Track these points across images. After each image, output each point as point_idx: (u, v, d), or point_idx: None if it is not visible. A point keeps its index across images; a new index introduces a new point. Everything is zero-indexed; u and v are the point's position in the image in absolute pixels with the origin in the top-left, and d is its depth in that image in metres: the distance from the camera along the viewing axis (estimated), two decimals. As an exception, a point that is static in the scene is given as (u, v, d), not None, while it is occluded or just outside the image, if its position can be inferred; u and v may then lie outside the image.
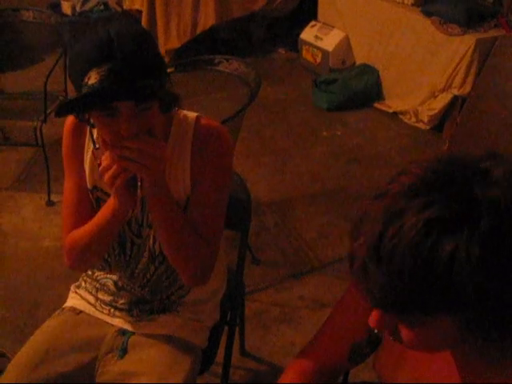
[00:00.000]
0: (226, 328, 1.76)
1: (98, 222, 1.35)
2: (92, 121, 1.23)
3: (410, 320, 0.79)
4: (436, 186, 0.73)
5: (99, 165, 1.22)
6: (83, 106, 1.16)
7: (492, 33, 3.69)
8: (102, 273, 1.56)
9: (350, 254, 0.79)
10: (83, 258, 1.45)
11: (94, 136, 1.33)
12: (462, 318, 0.74)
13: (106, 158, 1.19)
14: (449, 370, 0.93)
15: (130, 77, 1.09)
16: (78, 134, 1.41)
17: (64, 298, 1.66)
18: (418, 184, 0.74)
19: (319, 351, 1.22)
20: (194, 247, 1.36)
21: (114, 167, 1.17)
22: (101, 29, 1.11)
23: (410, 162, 0.80)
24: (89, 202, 1.44)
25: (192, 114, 1.41)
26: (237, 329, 1.87)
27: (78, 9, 4.98)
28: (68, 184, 1.45)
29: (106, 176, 1.18)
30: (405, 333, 0.81)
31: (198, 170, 1.36)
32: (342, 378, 1.44)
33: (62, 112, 1.13)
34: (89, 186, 1.43)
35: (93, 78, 1.09)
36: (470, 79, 3.69)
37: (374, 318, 0.84)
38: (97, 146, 1.32)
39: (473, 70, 3.67)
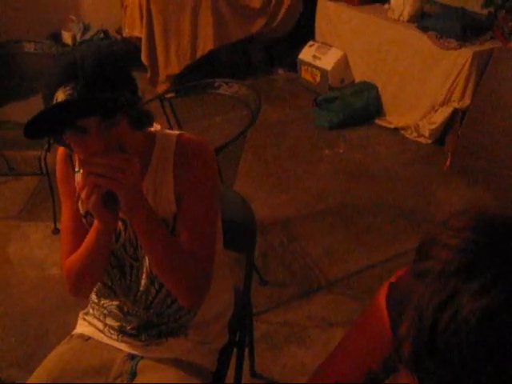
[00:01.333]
0: (236, 350, 1.76)
1: (87, 245, 1.37)
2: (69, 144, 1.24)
3: None
4: (487, 263, 0.66)
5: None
6: (51, 125, 1.17)
7: (488, 45, 3.72)
8: (107, 300, 1.56)
9: (397, 339, 0.72)
10: (80, 283, 1.46)
11: (74, 160, 1.35)
12: None
13: (81, 177, 1.21)
14: None
15: (92, 93, 1.13)
16: (68, 162, 1.44)
17: (72, 326, 1.66)
18: (465, 261, 0.67)
19: (334, 376, 1.17)
20: (184, 265, 1.35)
21: (87, 184, 1.18)
22: (68, 53, 1.18)
23: (439, 230, 0.72)
24: (83, 228, 1.44)
25: (174, 132, 1.42)
26: (246, 350, 1.87)
27: (78, 38, 5.04)
28: (64, 211, 1.48)
29: (82, 195, 1.20)
30: None
31: (181, 185, 1.37)
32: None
33: (29, 132, 1.14)
34: (82, 212, 1.45)
35: (59, 98, 1.14)
36: (469, 92, 3.71)
37: None
38: (76, 168, 1.33)
39: (471, 83, 3.69)
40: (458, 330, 0.64)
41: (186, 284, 1.37)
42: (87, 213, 1.43)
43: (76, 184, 1.43)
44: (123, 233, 1.42)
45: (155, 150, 1.39)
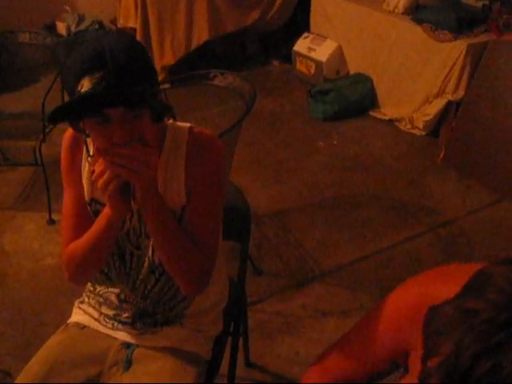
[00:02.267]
0: (230, 339, 1.78)
1: (95, 231, 1.37)
2: (86, 130, 1.25)
3: None
4: None
5: (93, 172, 1.24)
6: (76, 112, 1.18)
7: (483, 37, 3.74)
8: (103, 287, 1.57)
9: (426, 370, 0.68)
10: (82, 270, 1.47)
11: (89, 145, 1.36)
12: None
13: (99, 165, 1.21)
14: None
15: (121, 84, 1.13)
16: (75, 148, 1.44)
17: (68, 315, 1.67)
18: None
19: (338, 367, 1.15)
20: (190, 256, 1.38)
21: (107, 173, 1.19)
22: (94, 41, 1.16)
23: (497, 268, 0.68)
24: (87, 214, 1.45)
25: (185, 125, 1.43)
26: (241, 340, 1.89)
27: (72, 29, 5.02)
28: (66, 197, 1.48)
29: (99, 182, 1.20)
30: None
31: (193, 179, 1.39)
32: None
33: (55, 117, 1.15)
34: (87, 198, 1.45)
35: (85, 86, 1.13)
36: (463, 84, 3.73)
37: None
38: (91, 153, 1.34)
39: (465, 75, 3.71)
40: (495, 379, 0.61)
41: (191, 274, 1.40)
42: (92, 199, 1.44)
43: (85, 169, 1.43)
44: (128, 221, 1.43)
45: (166, 142, 1.40)
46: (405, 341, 0.97)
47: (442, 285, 0.86)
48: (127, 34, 1.27)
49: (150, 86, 1.19)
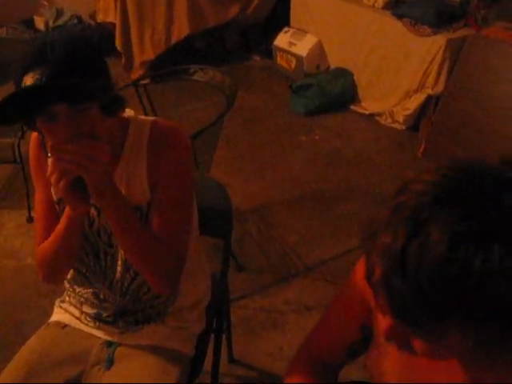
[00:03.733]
0: (213, 336, 1.77)
1: (59, 231, 1.37)
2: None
3: (428, 333, 0.76)
4: (460, 195, 0.70)
5: None
6: (20, 109, 1.16)
7: (462, 32, 3.76)
8: (82, 288, 1.55)
9: (368, 267, 0.76)
10: (53, 269, 1.46)
11: (47, 145, 1.34)
12: (488, 329, 0.71)
13: (51, 163, 1.20)
14: (449, 369, 0.92)
15: (61, 79, 1.12)
16: (41, 148, 1.42)
17: (49, 314, 1.66)
18: (440, 193, 0.71)
19: (317, 349, 1.23)
20: (156, 253, 1.35)
21: (57, 170, 1.18)
22: (40, 38, 1.17)
23: (420, 172, 0.76)
24: (57, 214, 1.43)
25: (148, 118, 1.42)
26: (224, 336, 1.88)
27: (51, 24, 4.96)
28: (37, 197, 1.47)
29: (52, 180, 1.19)
30: (418, 344, 0.79)
31: (156, 172, 1.36)
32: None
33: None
34: (54, 198, 1.44)
35: (28, 82, 1.13)
36: (443, 78, 3.75)
37: (384, 328, 0.81)
38: (49, 153, 1.33)
39: (445, 70, 3.73)
40: (426, 254, 0.68)
41: (158, 271, 1.38)
42: (60, 199, 1.42)
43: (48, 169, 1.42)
44: (97, 219, 1.42)
45: (129, 136, 1.38)
46: (369, 304, 1.05)
47: None
48: (73, 29, 1.26)
49: (94, 80, 1.17)
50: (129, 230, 1.32)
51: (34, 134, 1.42)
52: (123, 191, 1.33)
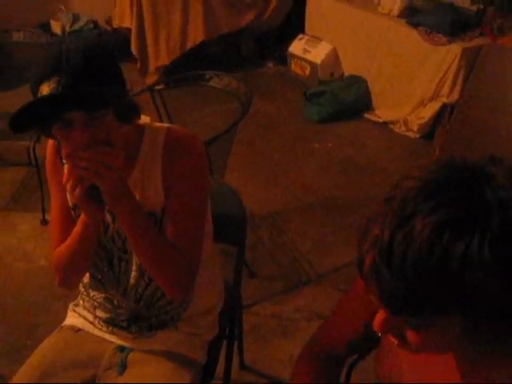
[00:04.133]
0: (225, 342, 1.77)
1: (74, 237, 1.38)
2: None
3: (418, 323, 0.79)
4: (443, 188, 0.73)
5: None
6: (37, 118, 1.16)
7: (477, 41, 3.75)
8: (96, 292, 1.56)
9: (359, 257, 0.79)
10: (67, 275, 1.47)
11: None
12: (472, 319, 0.75)
13: (67, 170, 1.21)
14: (448, 370, 0.94)
15: (77, 87, 1.13)
16: (57, 154, 1.43)
17: (62, 318, 1.66)
18: (425, 188, 0.74)
19: (325, 341, 1.27)
20: (170, 259, 1.36)
21: (72, 177, 1.19)
22: (55, 45, 1.17)
23: (410, 168, 0.80)
24: (72, 219, 1.44)
25: (163, 125, 1.42)
26: (235, 343, 1.88)
27: (67, 28, 5.00)
28: (53, 203, 1.48)
29: (67, 187, 1.21)
30: (411, 336, 0.82)
31: (170, 179, 1.37)
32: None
33: (15, 126, 1.14)
34: (70, 203, 1.45)
35: (44, 91, 1.14)
36: (458, 87, 3.74)
37: (378, 321, 0.84)
38: (64, 160, 1.34)
39: (460, 78, 3.72)
40: (411, 244, 0.71)
41: (172, 277, 1.39)
42: (76, 205, 1.43)
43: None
44: (111, 225, 1.42)
45: (144, 143, 1.38)
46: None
47: None
48: (89, 36, 1.27)
49: (110, 88, 1.18)
50: (143, 236, 1.33)
51: (51, 141, 1.43)
52: (138, 197, 1.34)
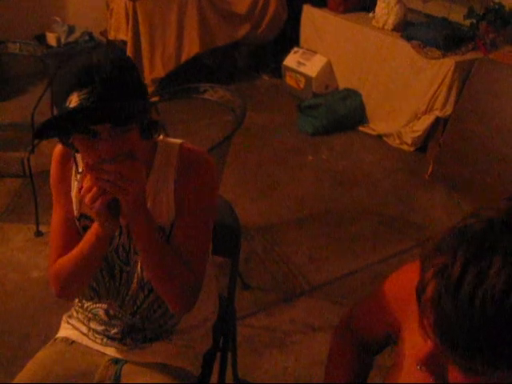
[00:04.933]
0: (219, 354, 1.77)
1: (83, 247, 1.36)
2: (75, 146, 1.24)
3: (471, 367, 0.72)
4: None
5: (81, 188, 1.23)
6: (63, 128, 1.17)
7: (470, 55, 3.79)
8: (91, 303, 1.56)
9: (420, 283, 0.74)
10: (69, 285, 1.45)
11: (78, 161, 1.35)
12: None
13: (86, 181, 1.20)
14: None
15: (108, 100, 1.13)
16: (65, 163, 1.43)
17: (55, 329, 1.66)
18: (506, 221, 0.68)
19: (356, 325, 1.28)
20: (178, 275, 1.36)
21: (94, 189, 1.19)
22: (83, 56, 1.16)
23: (494, 200, 0.74)
24: (75, 230, 1.44)
25: (176, 141, 1.43)
26: (229, 355, 1.87)
27: (63, 40, 5.01)
28: (55, 213, 1.47)
29: (87, 198, 1.20)
30: (454, 375, 0.76)
31: (183, 196, 1.38)
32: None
33: (42, 133, 1.15)
34: (76, 214, 1.44)
35: (73, 102, 1.13)
36: (452, 101, 3.77)
37: (425, 354, 0.78)
38: (80, 169, 1.33)
39: (453, 92, 3.75)
40: (484, 283, 0.65)
41: (178, 292, 1.38)
42: (82, 215, 1.43)
43: (74, 185, 1.43)
44: (117, 237, 1.42)
45: (157, 158, 1.39)
46: (400, 316, 1.06)
47: None
48: (116, 49, 1.27)
49: (139, 102, 1.19)
50: (155, 250, 1.33)
51: (57, 149, 1.43)
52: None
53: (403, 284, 1.07)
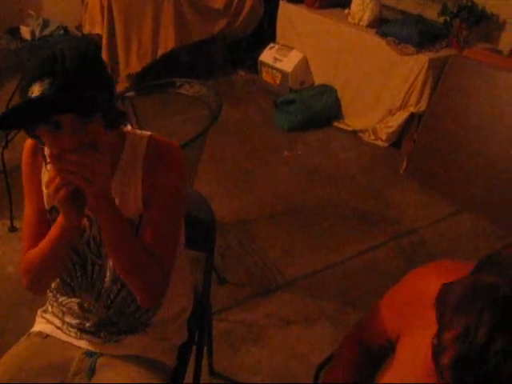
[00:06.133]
0: (195, 348, 1.78)
1: (50, 239, 1.36)
2: (41, 137, 1.24)
3: None
4: None
5: None
6: (24, 118, 1.17)
7: (444, 52, 3.84)
8: (65, 297, 1.55)
9: (438, 345, 0.68)
10: (39, 278, 1.45)
11: (46, 153, 1.35)
12: None
13: (50, 172, 1.21)
14: None
15: (70, 90, 1.13)
16: (35, 156, 1.43)
17: (30, 324, 1.65)
18: None
19: (363, 335, 1.27)
20: (146, 267, 1.36)
21: (57, 180, 1.19)
22: (49, 47, 1.17)
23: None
24: (47, 223, 1.43)
25: (145, 133, 1.43)
26: (205, 348, 1.89)
27: (37, 34, 4.95)
28: (27, 205, 1.46)
29: (50, 189, 1.20)
30: None
31: (150, 187, 1.38)
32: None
33: (2, 124, 1.14)
34: (47, 206, 1.44)
35: (35, 91, 1.14)
36: (425, 97, 3.82)
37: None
38: (47, 162, 1.33)
39: (427, 88, 3.80)
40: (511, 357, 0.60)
41: (146, 284, 1.39)
42: (52, 208, 1.42)
43: (44, 177, 1.42)
44: (88, 230, 1.42)
45: (125, 150, 1.39)
46: (402, 324, 1.03)
47: (438, 278, 0.85)
48: (82, 41, 1.26)
49: (101, 93, 1.19)
50: (121, 242, 1.33)
51: (28, 142, 1.43)
52: (117, 203, 1.34)
53: (407, 291, 1.08)
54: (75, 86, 1.14)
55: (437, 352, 0.68)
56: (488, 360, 0.60)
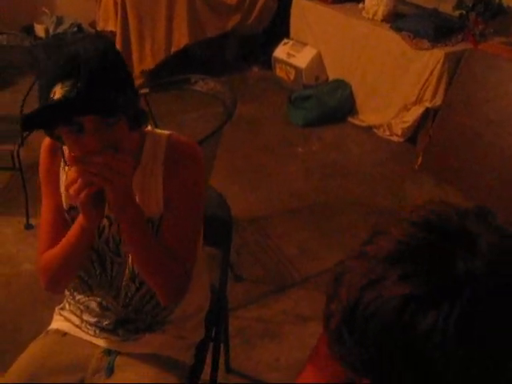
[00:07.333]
0: (211, 345, 1.77)
1: (69, 239, 1.36)
2: (62, 138, 1.23)
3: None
4: (415, 255, 0.67)
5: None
6: (47, 120, 1.16)
7: (459, 46, 3.80)
8: (83, 296, 1.55)
9: (327, 314, 0.74)
10: (58, 278, 1.46)
11: (65, 153, 1.34)
12: None
13: (72, 173, 1.20)
14: None
15: (93, 92, 1.12)
16: (54, 155, 1.42)
17: (46, 322, 1.65)
18: (396, 251, 0.69)
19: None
20: (167, 267, 1.36)
21: (79, 181, 1.18)
22: (70, 47, 1.15)
23: (391, 223, 0.74)
24: (65, 222, 1.44)
25: (165, 132, 1.43)
26: (222, 346, 1.89)
27: (51, 31, 4.98)
28: (45, 205, 1.46)
29: (71, 190, 1.19)
30: None
31: (171, 187, 1.38)
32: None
33: (26, 126, 1.14)
34: (65, 206, 1.44)
35: (58, 93, 1.12)
36: (441, 92, 3.78)
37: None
38: (68, 163, 1.33)
39: (443, 83, 3.76)
40: (374, 313, 0.66)
41: (167, 284, 1.39)
42: (71, 207, 1.42)
43: (62, 177, 1.42)
44: (107, 229, 1.42)
45: (145, 149, 1.39)
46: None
47: None
48: (103, 40, 1.24)
49: (125, 94, 1.18)
50: (142, 243, 1.32)
51: (46, 141, 1.42)
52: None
53: None
54: (98, 86, 1.12)
55: (326, 323, 0.74)
56: (357, 322, 0.68)
